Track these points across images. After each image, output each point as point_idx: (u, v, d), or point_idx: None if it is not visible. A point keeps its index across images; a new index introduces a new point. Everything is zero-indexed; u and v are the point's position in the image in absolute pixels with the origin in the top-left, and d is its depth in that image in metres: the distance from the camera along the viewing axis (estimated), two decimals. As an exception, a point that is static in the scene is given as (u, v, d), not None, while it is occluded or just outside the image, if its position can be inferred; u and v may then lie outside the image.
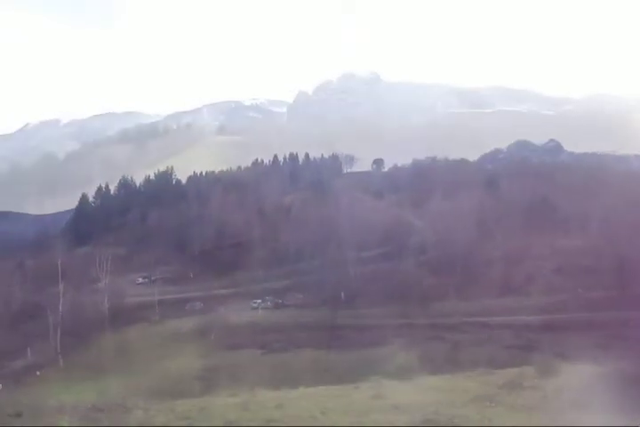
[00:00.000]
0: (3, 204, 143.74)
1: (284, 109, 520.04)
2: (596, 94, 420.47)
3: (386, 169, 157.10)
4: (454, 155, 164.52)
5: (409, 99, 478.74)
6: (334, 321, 43.44)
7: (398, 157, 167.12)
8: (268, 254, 58.57)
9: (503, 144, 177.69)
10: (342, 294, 45.55)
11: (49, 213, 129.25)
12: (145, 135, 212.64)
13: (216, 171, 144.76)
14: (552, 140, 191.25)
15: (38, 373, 52.46)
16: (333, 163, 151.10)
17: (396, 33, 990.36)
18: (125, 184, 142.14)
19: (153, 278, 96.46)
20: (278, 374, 31.77)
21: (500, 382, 19.60)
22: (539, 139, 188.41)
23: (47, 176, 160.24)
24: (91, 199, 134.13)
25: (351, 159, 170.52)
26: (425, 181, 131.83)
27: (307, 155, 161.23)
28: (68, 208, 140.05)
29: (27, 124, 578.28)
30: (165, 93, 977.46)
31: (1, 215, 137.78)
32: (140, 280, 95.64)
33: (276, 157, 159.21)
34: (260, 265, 56.27)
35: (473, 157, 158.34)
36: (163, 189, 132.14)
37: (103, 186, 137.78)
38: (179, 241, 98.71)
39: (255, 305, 62.20)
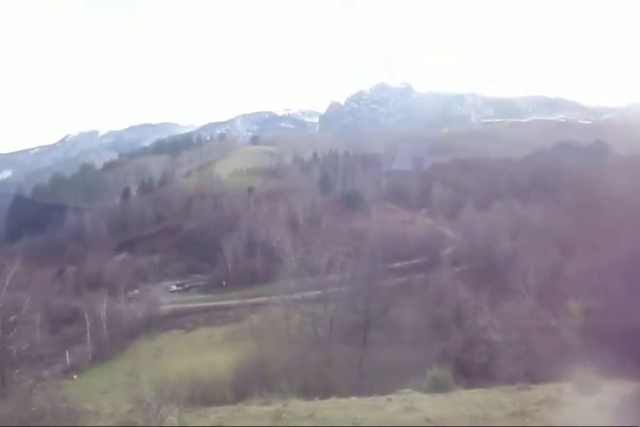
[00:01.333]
0: (45, 212, 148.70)
1: (316, 120, 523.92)
2: (636, 103, 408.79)
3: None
4: (489, 165, 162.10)
5: (442, 109, 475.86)
6: (366, 334, 42.95)
7: (429, 170, 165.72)
8: (300, 264, 58.54)
9: (541, 154, 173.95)
10: (374, 306, 45.05)
11: (87, 221, 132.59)
12: (179, 146, 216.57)
13: (249, 181, 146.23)
14: (598, 142, 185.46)
15: (75, 377, 53.74)
16: (366, 173, 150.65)
17: (429, 43, 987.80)
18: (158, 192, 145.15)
19: (186, 286, 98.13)
20: (313, 384, 31.57)
21: (538, 398, 19.08)
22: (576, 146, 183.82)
23: (85, 185, 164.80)
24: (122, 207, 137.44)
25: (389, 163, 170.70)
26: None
27: (339, 163, 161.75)
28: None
29: (67, 136, 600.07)
30: (200, 105, 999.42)
31: (43, 222, 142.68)
32: (174, 288, 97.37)
33: (307, 167, 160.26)
34: (293, 275, 56.28)
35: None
36: (197, 199, 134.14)
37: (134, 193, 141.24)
38: (212, 250, 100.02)
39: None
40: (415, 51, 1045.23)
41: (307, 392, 30.82)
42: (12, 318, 41.54)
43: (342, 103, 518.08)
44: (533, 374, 25.35)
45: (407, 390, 27.67)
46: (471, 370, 33.88)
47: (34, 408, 19.42)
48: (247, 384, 37.71)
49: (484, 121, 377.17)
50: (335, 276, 51.90)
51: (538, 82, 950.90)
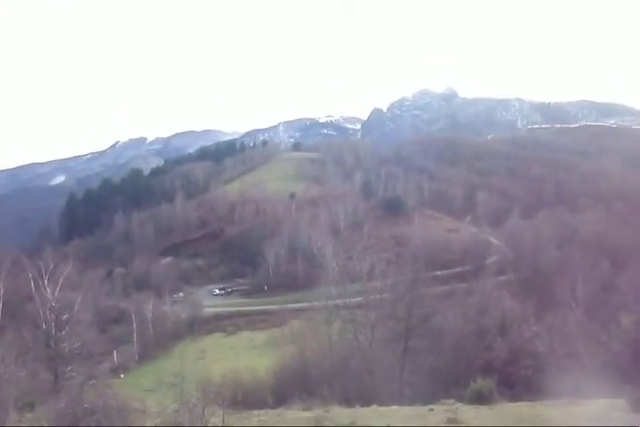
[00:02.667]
0: (95, 215, 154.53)
1: (358, 126, 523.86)
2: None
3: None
4: (536, 172, 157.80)
5: (487, 114, 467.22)
6: (407, 342, 42.45)
7: (474, 177, 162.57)
8: (342, 270, 58.57)
9: (590, 160, 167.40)
10: (415, 314, 44.45)
11: (134, 225, 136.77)
12: (223, 152, 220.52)
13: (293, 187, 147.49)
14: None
15: (122, 375, 55.43)
16: (407, 179, 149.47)
17: (474, 48, 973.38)
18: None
19: (229, 290, 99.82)
20: (353, 392, 31.53)
21: (588, 414, 18.52)
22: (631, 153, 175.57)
23: (133, 190, 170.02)
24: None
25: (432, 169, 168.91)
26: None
27: (380, 170, 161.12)
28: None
29: (117, 142, 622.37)
30: (243, 112, 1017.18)
31: (94, 225, 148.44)
32: (217, 291, 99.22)
33: (349, 173, 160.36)
34: (334, 281, 56.33)
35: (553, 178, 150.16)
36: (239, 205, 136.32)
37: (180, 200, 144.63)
38: (254, 255, 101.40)
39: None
40: (459, 55, 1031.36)
41: (347, 399, 30.85)
42: (65, 316, 43.33)
43: (384, 110, 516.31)
44: (582, 388, 24.51)
45: (450, 401, 27.29)
46: (516, 382, 33.03)
47: (86, 405, 20.28)
48: (288, 389, 38.01)
49: (530, 127, 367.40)
50: (377, 282, 51.67)
51: (588, 86, 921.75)
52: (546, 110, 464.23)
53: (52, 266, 43.60)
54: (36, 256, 57.65)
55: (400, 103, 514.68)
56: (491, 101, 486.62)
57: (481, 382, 32.79)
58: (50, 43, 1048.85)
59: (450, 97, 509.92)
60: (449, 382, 36.38)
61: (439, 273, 72.52)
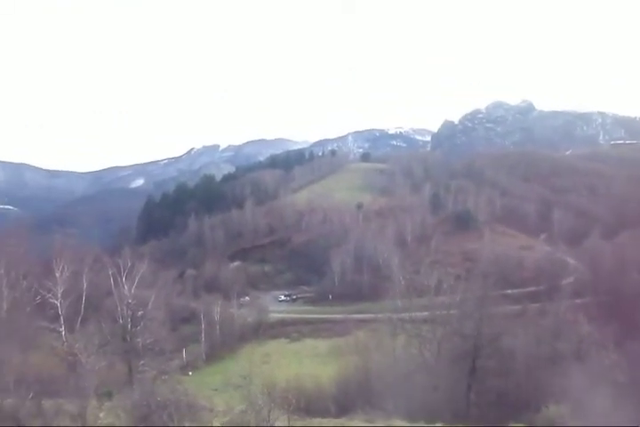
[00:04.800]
0: (170, 218, 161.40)
1: (428, 138, 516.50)
2: None
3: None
4: (618, 190, 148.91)
5: (565, 128, 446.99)
6: (475, 361, 41.19)
7: (549, 193, 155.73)
8: (408, 283, 57.85)
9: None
10: (484, 333, 43.07)
11: (206, 229, 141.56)
12: (292, 161, 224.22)
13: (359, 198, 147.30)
14: None
15: (190, 373, 57.28)
16: (479, 193, 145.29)
17: (553, 58, 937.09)
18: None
19: (294, 297, 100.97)
20: (417, 408, 30.91)
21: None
22: None
23: (206, 195, 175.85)
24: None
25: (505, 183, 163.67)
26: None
27: (450, 183, 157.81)
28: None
29: (192, 149, 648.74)
30: (314, 122, 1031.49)
31: (168, 227, 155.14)
32: (282, 298, 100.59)
33: (418, 185, 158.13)
34: (400, 294, 55.68)
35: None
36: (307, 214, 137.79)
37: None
38: (320, 263, 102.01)
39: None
40: (537, 66, 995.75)
41: (411, 415, 30.30)
42: (140, 313, 45.46)
43: (456, 122, 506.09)
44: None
45: (519, 425, 26.17)
46: (592, 412, 31.19)
47: (159, 398, 21.15)
48: (350, 399, 37.84)
49: (613, 142, 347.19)
50: (444, 298, 50.54)
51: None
52: (631, 125, 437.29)
53: (129, 265, 45.82)
54: (115, 255, 60.89)
55: (473, 115, 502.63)
56: (570, 115, 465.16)
57: (554, 409, 31.18)
58: (133, 51, 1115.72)
59: (526, 110, 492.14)
60: (518, 406, 34.90)
61: (510, 292, 69.81)
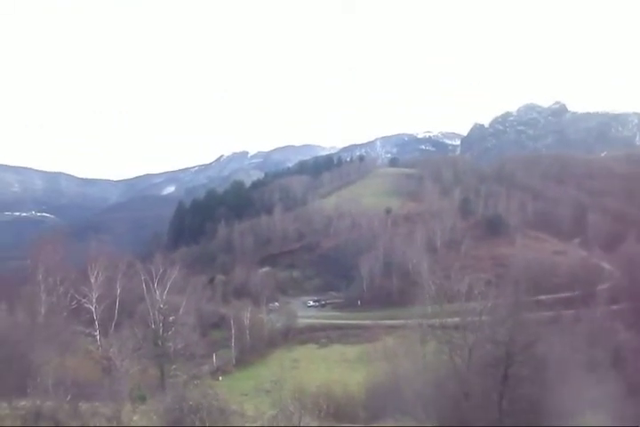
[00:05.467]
0: (200, 224, 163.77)
1: (458, 142, 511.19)
2: None
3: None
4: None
5: (600, 130, 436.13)
6: (507, 369, 40.32)
7: (584, 196, 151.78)
8: (438, 290, 57.26)
9: None
10: (517, 339, 42.20)
11: (235, 235, 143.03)
12: (320, 167, 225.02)
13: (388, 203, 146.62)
14: None
15: (220, 378, 57.82)
16: (510, 197, 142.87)
17: (585, 58, 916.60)
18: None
19: (323, 302, 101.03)
20: (448, 415, 30.57)
21: None
22: None
23: (235, 202, 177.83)
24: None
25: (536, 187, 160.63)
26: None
27: (481, 187, 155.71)
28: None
29: (221, 156, 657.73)
30: (342, 127, 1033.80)
31: (199, 233, 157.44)
32: (311, 303, 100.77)
33: (447, 190, 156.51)
34: (430, 300, 55.18)
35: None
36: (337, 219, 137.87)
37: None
38: (348, 268, 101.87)
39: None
40: (570, 67, 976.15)
41: (441, 422, 29.93)
42: (171, 318, 46.27)
43: (486, 125, 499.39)
44: None
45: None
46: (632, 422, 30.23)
47: (190, 402, 21.45)
48: (380, 406, 37.61)
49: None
50: (475, 304, 49.82)
51: None
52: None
53: (161, 271, 46.72)
54: (147, 261, 62.12)
55: (504, 118, 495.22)
56: (604, 116, 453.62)
57: (591, 419, 30.42)
58: (167, 60, 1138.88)
59: (558, 112, 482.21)
60: (552, 415, 34.07)
61: (543, 298, 68.28)
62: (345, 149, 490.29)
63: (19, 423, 20.62)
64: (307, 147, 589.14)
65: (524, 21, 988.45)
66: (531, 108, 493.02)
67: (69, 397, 21.51)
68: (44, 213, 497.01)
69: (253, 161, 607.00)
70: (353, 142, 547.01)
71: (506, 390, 39.27)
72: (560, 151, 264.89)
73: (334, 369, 57.60)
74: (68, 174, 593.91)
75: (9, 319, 39.71)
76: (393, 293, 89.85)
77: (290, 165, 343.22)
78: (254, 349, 69.98)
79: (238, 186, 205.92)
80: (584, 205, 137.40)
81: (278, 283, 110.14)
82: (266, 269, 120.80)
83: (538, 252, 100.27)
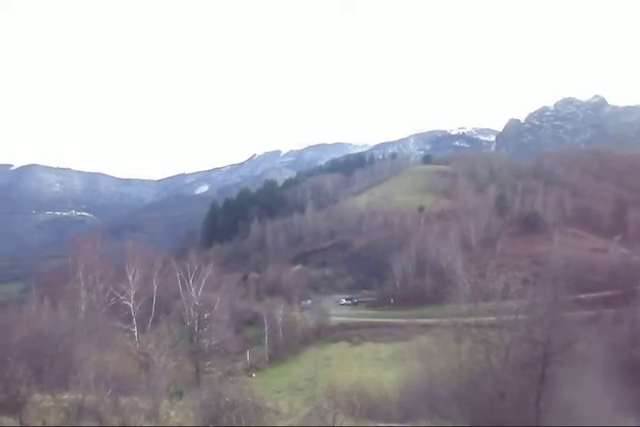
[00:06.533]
0: (233, 222, 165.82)
1: (492, 138, 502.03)
2: None
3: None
4: None
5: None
6: (545, 369, 39.49)
7: (625, 193, 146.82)
8: (473, 288, 56.42)
9: None
10: (555, 339, 41.26)
11: (268, 233, 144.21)
12: (352, 165, 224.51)
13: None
14: None
15: (254, 375, 58.49)
16: (547, 194, 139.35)
17: (625, 51, 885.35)
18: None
19: (355, 300, 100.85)
20: (483, 415, 30.15)
21: None
22: None
23: (267, 200, 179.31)
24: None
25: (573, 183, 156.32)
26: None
27: (517, 183, 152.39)
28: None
29: (254, 155, 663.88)
30: (374, 125, 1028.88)
31: (232, 232, 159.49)
32: (344, 301, 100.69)
33: (482, 187, 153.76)
34: (465, 298, 54.39)
35: None
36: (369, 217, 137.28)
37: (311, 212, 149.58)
38: (381, 267, 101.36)
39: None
40: (609, 60, 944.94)
41: (477, 422, 29.52)
42: (206, 315, 47.04)
43: (522, 120, 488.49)
44: None
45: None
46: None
47: (227, 399, 21.73)
48: (414, 405, 37.33)
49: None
50: (512, 302, 48.87)
51: None
52: None
53: (196, 268, 47.56)
54: (182, 258, 63.34)
55: (540, 113, 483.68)
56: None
57: (632, 420, 29.58)
58: (196, 60, 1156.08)
59: (598, 105, 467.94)
60: (592, 417, 33.18)
61: (583, 296, 66.39)
62: (377, 147, 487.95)
63: (62, 416, 21.37)
64: (339, 145, 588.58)
65: (561, 13, 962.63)
66: (569, 102, 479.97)
67: (110, 391, 22.14)
68: (83, 213, 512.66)
69: (285, 160, 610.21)
70: (385, 140, 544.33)
71: (543, 390, 38.45)
72: (599, 146, 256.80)
73: (367, 368, 57.49)
74: (106, 175, 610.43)
75: (52, 316, 41.13)
76: (426, 291, 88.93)
77: (322, 163, 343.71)
78: (287, 346, 70.47)
79: (271, 185, 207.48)
80: (624, 202, 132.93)
81: (310, 281, 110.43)
82: (298, 267, 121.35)
83: (576, 249, 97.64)
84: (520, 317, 46.08)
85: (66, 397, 22.43)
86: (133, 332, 43.40)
